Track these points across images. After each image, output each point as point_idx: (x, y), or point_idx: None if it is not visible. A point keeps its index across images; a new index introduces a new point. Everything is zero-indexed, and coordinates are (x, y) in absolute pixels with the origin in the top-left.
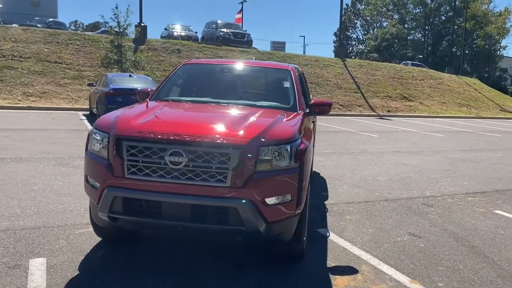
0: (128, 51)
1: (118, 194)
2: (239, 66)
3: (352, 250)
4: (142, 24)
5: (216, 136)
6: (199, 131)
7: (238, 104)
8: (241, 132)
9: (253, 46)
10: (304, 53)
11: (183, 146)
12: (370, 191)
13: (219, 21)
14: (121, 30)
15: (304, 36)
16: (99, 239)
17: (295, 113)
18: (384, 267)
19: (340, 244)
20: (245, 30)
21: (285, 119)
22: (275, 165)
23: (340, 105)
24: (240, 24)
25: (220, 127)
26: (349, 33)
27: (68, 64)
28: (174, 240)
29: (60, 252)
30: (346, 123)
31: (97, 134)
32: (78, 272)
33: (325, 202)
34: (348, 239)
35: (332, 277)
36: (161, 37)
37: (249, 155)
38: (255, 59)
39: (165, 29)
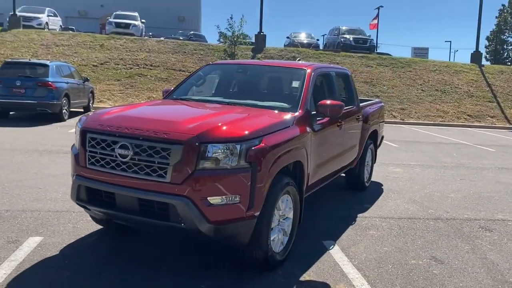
0: (240, 58)
1: (81, 183)
2: (256, 66)
3: (344, 267)
4: (262, 33)
5: (161, 131)
6: (148, 126)
7: (238, 104)
8: (187, 128)
9: (378, 51)
10: (453, 59)
11: (130, 139)
12: (425, 207)
13: (341, 27)
14: (235, 39)
15: (450, 41)
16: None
17: (288, 113)
18: None
19: (336, 259)
20: (369, 36)
21: (259, 119)
22: (221, 164)
23: (467, 115)
24: (375, 29)
25: (171, 123)
26: (505, 36)
27: (190, 72)
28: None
29: (60, 234)
30: (465, 135)
31: (75, 127)
32: (57, 253)
33: (359, 215)
34: (350, 254)
35: None
36: (284, 45)
37: (190, 152)
38: (299, 59)
39: (287, 37)
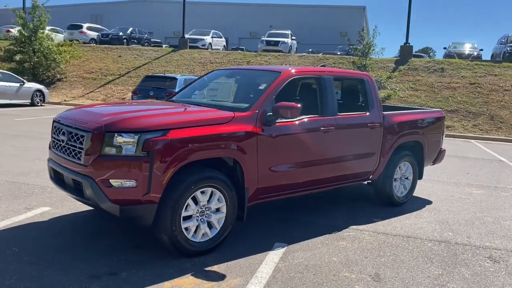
0: (369, 70)
1: (48, 163)
2: (243, 70)
3: (263, 267)
4: (407, 44)
5: (84, 122)
6: (84, 118)
7: (205, 104)
8: (101, 120)
9: None
10: None
11: (67, 127)
12: (446, 230)
13: (510, 35)
14: (366, 50)
15: None
16: None
17: (232, 113)
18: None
19: (267, 259)
20: None
21: (183, 115)
22: (122, 151)
23: None
24: None
25: (97, 116)
26: None
27: None
28: None
29: (69, 207)
30: None
31: None
32: (56, 222)
33: (352, 227)
34: (286, 258)
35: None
36: (443, 56)
37: (97, 139)
38: (322, 65)
39: (444, 48)
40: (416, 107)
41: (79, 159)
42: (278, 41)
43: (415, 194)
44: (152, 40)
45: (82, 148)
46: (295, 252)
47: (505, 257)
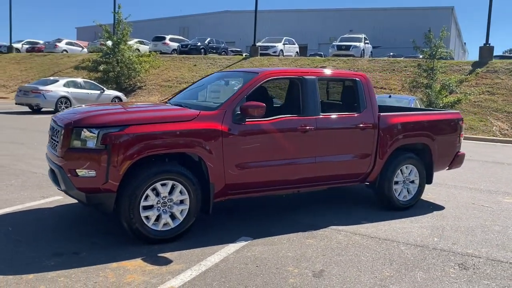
0: (437, 74)
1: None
2: (232, 73)
3: (206, 257)
4: (487, 45)
5: (63, 119)
6: (65, 116)
7: (183, 104)
8: (74, 117)
9: None
10: None
11: (55, 124)
12: (437, 236)
13: None
14: (433, 52)
15: None
16: None
17: (197, 111)
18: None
19: (217, 249)
20: None
21: (146, 113)
22: (86, 144)
23: None
24: None
25: (75, 114)
26: None
27: (391, 89)
28: None
29: None
30: None
31: None
32: (58, 209)
33: (333, 227)
34: (239, 250)
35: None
36: None
37: (66, 134)
38: (322, 66)
39: None
40: (432, 108)
41: (56, 151)
42: (350, 45)
43: (430, 199)
44: (233, 49)
45: (57, 141)
46: (255, 246)
47: (480, 265)
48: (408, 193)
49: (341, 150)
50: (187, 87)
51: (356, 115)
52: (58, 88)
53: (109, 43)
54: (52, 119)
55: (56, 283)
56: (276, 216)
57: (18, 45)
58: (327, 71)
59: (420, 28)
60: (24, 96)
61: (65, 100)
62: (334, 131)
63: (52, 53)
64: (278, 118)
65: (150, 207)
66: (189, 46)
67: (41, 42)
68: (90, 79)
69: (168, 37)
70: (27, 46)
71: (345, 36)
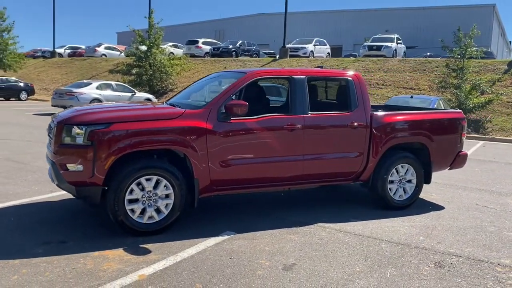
0: (466, 73)
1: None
2: (223, 73)
3: (183, 250)
4: None
5: (58, 117)
6: (61, 114)
7: (176, 104)
8: (66, 115)
9: None
10: None
11: (51, 123)
12: (424, 235)
13: None
14: (463, 52)
15: None
16: None
17: (182, 110)
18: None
19: (198, 239)
20: None
21: (132, 111)
22: (73, 140)
23: None
24: None
25: (68, 113)
26: None
27: (421, 90)
28: None
29: None
30: None
31: None
32: (61, 203)
33: (327, 224)
34: (219, 243)
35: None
36: None
37: (58, 131)
38: (319, 66)
39: None
40: (434, 108)
41: (51, 147)
42: (381, 46)
43: (433, 199)
44: (266, 51)
45: (52, 138)
46: (236, 240)
47: (457, 264)
48: (405, 192)
49: (331, 148)
50: (184, 88)
51: (346, 114)
52: (91, 91)
53: (143, 47)
54: (51, 118)
55: (38, 267)
56: (265, 212)
57: (61, 50)
58: (318, 71)
59: (459, 27)
60: (59, 98)
61: (97, 102)
62: (323, 129)
63: (91, 57)
64: (264, 116)
65: (135, 201)
66: (220, 49)
67: (83, 47)
68: (124, 82)
69: (201, 40)
70: (69, 51)
71: (377, 36)
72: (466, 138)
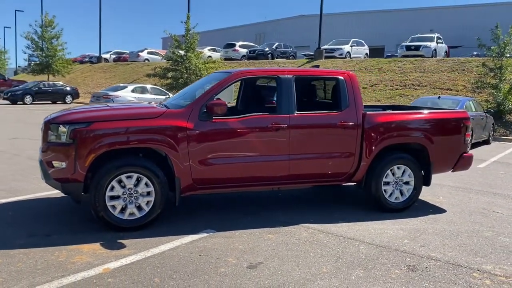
0: (505, 72)
1: None
2: (215, 74)
3: (153, 246)
4: None
5: (47, 118)
6: (51, 116)
7: (168, 104)
8: (54, 115)
9: None
10: None
11: (42, 123)
12: (409, 238)
13: None
14: (502, 50)
15: None
16: None
17: (163, 109)
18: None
19: (176, 236)
20: None
21: (115, 111)
22: (58, 139)
23: None
24: None
25: (57, 113)
26: None
27: (458, 90)
28: None
29: None
30: None
31: None
32: (61, 199)
33: (311, 225)
34: (194, 241)
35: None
36: None
37: (45, 129)
38: (315, 66)
39: None
40: (437, 108)
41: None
42: (419, 46)
43: (437, 202)
44: (306, 53)
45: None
46: (213, 238)
47: (432, 268)
48: (402, 194)
49: (319, 148)
50: (183, 89)
51: (336, 113)
52: (126, 94)
53: (179, 51)
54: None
55: (13, 258)
56: (253, 211)
57: (107, 56)
58: (307, 71)
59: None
60: (97, 101)
61: None
62: (310, 129)
63: (134, 62)
64: (247, 116)
65: (117, 197)
66: (256, 51)
67: (127, 52)
68: (161, 86)
69: (238, 43)
70: (114, 56)
71: (416, 36)
72: (502, 141)
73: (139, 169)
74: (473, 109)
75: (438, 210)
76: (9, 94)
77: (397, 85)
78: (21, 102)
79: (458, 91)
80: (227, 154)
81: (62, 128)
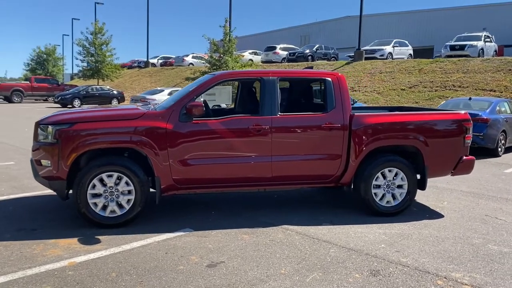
0: None
1: None
2: (206, 75)
3: (126, 242)
4: None
5: (38, 119)
6: (41, 117)
7: (158, 106)
8: (44, 116)
9: None
10: None
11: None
12: (388, 243)
13: None
14: None
15: None
16: None
17: (144, 110)
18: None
19: (150, 234)
20: None
21: (98, 112)
22: (44, 139)
23: None
24: None
25: (50, 115)
26: None
27: (501, 91)
28: None
29: None
30: None
31: None
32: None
33: (291, 226)
34: (167, 240)
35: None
36: None
37: (36, 130)
38: (308, 67)
39: None
40: (434, 109)
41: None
42: (465, 45)
43: (437, 207)
44: (350, 54)
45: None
46: (187, 236)
47: (395, 273)
48: (394, 198)
49: (303, 150)
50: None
51: (321, 115)
52: (163, 97)
53: (216, 55)
54: None
55: None
56: (236, 212)
57: (154, 60)
58: (294, 72)
59: None
60: (135, 103)
61: None
62: (294, 131)
63: (179, 66)
64: (228, 117)
65: (99, 195)
66: (296, 53)
67: (173, 57)
68: None
69: (278, 46)
70: (161, 61)
71: (461, 35)
72: None
73: (119, 168)
74: (508, 111)
75: (435, 215)
76: (59, 98)
77: (437, 87)
78: (71, 106)
79: (502, 91)
80: (207, 154)
81: (49, 129)
